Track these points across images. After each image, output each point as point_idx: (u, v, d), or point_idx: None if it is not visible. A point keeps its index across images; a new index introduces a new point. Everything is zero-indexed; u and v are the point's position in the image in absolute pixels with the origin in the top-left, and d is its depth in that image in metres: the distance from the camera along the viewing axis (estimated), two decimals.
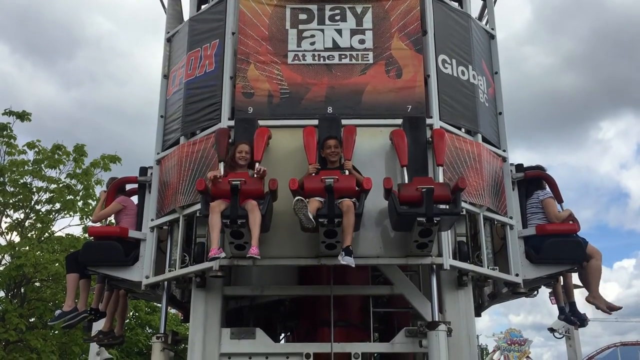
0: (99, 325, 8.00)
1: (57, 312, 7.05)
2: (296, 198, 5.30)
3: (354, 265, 5.42)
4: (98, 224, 7.59)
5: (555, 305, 7.76)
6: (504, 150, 7.09)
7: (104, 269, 6.72)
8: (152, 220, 6.77)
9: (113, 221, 7.51)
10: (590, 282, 6.91)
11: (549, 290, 7.89)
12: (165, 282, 6.64)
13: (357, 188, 5.60)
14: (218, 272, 5.93)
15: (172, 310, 10.48)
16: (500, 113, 7.32)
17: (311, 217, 5.28)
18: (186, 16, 7.77)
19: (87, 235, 17.77)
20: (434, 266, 6.00)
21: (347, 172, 5.80)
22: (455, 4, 7.41)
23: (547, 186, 7.14)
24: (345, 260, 5.39)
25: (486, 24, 7.89)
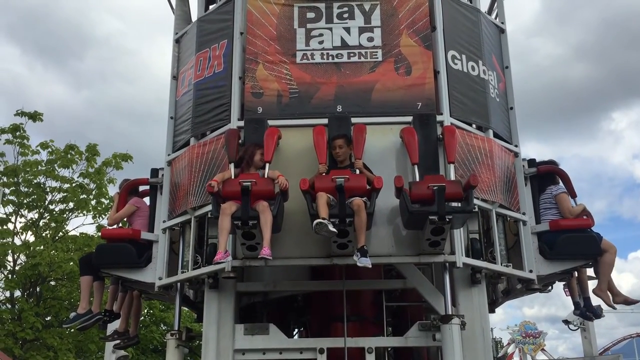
0: (114, 325, 8.06)
1: (72, 314, 7.11)
2: (315, 222, 5.26)
3: (370, 267, 5.41)
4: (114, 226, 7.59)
5: (569, 297, 7.73)
6: (516, 146, 7.03)
7: (117, 271, 6.77)
8: (164, 221, 6.79)
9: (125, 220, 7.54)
10: (601, 275, 6.85)
11: (563, 282, 7.85)
12: (178, 283, 6.66)
13: (368, 187, 5.59)
14: (230, 274, 5.94)
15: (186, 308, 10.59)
16: (511, 108, 7.26)
17: (332, 228, 5.26)
18: (194, 17, 7.77)
19: (100, 233, 17.97)
20: (447, 264, 5.97)
21: (357, 171, 5.78)
22: None
23: (560, 181, 7.08)
24: (361, 262, 5.38)
25: (496, 18, 7.82)
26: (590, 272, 7.33)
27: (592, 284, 7.40)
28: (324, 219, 5.25)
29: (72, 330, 17.13)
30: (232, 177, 5.74)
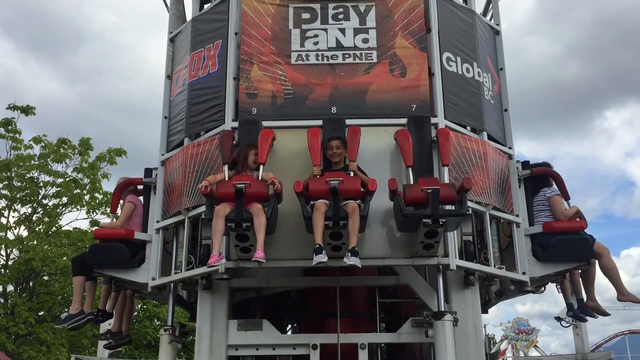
0: (106, 323, 8.05)
1: (64, 314, 7.10)
2: (315, 262, 5.33)
3: (360, 266, 5.42)
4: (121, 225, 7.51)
5: (562, 295, 7.78)
6: (510, 148, 7.03)
7: (110, 271, 6.75)
8: (157, 222, 6.77)
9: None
10: (613, 282, 6.85)
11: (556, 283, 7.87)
12: (172, 284, 6.65)
13: (362, 189, 5.59)
14: (224, 275, 5.94)
15: None
16: (505, 110, 7.26)
17: (326, 259, 5.36)
18: (189, 16, 7.73)
19: (94, 228, 17.95)
20: (441, 266, 5.99)
21: (351, 174, 5.78)
22: (460, 0, 7.33)
23: (553, 183, 7.10)
24: (351, 260, 5.39)
25: (490, 19, 7.81)
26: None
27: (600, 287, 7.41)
28: (320, 247, 5.34)
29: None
30: (226, 178, 5.74)
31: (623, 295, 6.86)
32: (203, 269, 6.00)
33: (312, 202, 5.53)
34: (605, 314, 7.38)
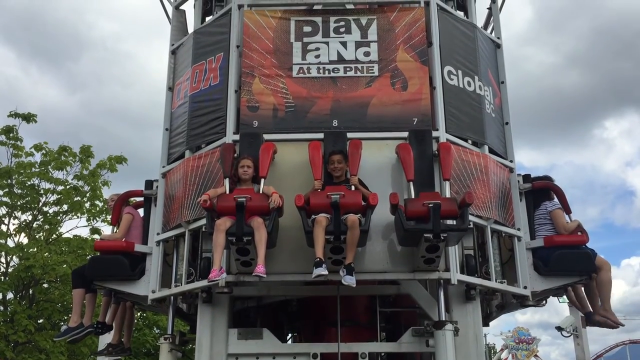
0: (106, 335, 8.02)
1: (63, 327, 7.08)
2: (314, 275, 5.33)
3: (354, 286, 5.41)
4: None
5: (563, 304, 7.78)
6: (511, 161, 7.04)
7: (110, 284, 6.74)
8: (158, 234, 6.76)
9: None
10: (601, 295, 6.84)
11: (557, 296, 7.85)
12: (172, 297, 6.63)
13: (363, 203, 5.58)
14: (224, 289, 5.92)
15: None
16: (507, 123, 7.26)
17: (326, 272, 5.36)
18: (190, 28, 7.75)
19: (94, 236, 17.92)
20: (442, 281, 5.97)
21: (353, 188, 5.77)
22: (461, 14, 7.34)
23: (555, 197, 7.09)
24: (345, 280, 5.40)
25: (491, 33, 7.82)
26: None
27: None
28: (321, 260, 5.33)
29: None
30: (227, 192, 5.73)
31: (605, 311, 6.87)
32: (203, 283, 5.98)
33: (313, 216, 5.52)
34: (615, 325, 7.28)
